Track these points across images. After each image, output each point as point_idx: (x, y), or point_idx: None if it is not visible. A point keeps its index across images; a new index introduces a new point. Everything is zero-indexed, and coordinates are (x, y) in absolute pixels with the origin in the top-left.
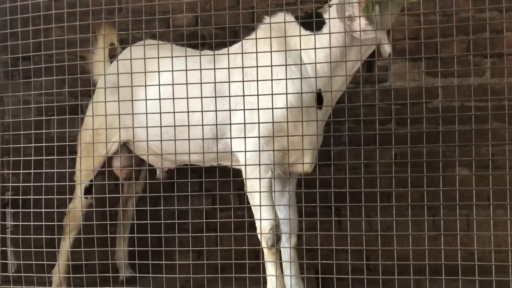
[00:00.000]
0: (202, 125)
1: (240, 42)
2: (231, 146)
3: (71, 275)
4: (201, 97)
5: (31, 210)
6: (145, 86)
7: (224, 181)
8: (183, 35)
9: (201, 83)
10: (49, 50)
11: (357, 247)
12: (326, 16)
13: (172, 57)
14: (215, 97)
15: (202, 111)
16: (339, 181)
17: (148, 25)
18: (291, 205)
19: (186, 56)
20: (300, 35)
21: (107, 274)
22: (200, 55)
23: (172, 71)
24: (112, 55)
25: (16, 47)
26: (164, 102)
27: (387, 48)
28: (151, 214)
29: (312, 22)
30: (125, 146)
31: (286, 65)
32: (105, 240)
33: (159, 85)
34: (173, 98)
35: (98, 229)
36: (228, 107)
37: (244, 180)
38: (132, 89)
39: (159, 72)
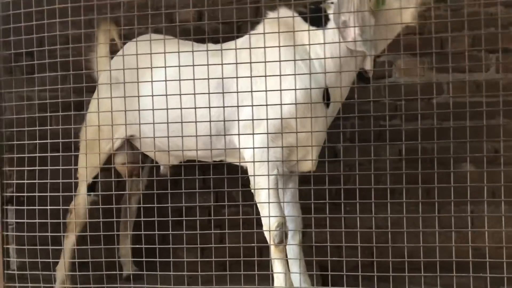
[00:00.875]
0: (210, 121)
1: (244, 37)
2: (238, 143)
3: (77, 273)
4: (208, 93)
5: (35, 207)
6: (152, 81)
7: (228, 177)
8: (185, 30)
9: (208, 79)
10: (49, 46)
11: (356, 243)
12: (330, 11)
13: (178, 52)
14: (223, 93)
15: (209, 108)
16: (343, 177)
17: (151, 20)
18: (295, 202)
19: (192, 52)
20: (309, 30)
21: (113, 272)
22: (207, 50)
23: (179, 66)
24: (114, 51)
25: (16, 42)
26: (167, 97)
27: (368, 63)
28: (153, 211)
29: (317, 18)
30: (128, 142)
31: (294, 60)
32: (109, 237)
33: (166, 80)
34: (180, 94)
35: (101, 226)
36: (232, 102)
37: (250, 177)
38: (137, 85)
39: (165, 67)
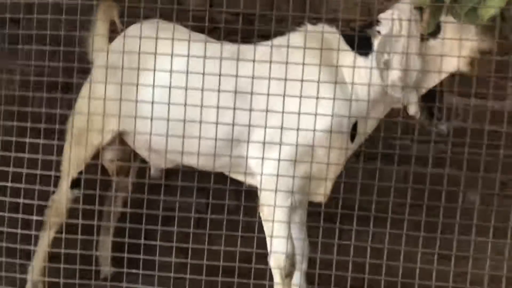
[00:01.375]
0: (232, 138)
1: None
2: (260, 164)
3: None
4: (234, 109)
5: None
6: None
7: (221, 181)
8: (194, 18)
9: (235, 92)
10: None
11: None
12: (375, 41)
13: (210, 49)
14: (250, 110)
15: (233, 124)
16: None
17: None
18: (302, 226)
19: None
20: (356, 51)
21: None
22: (238, 51)
23: (211, 74)
24: (112, 31)
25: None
26: (172, 93)
27: (412, 108)
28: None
29: (361, 44)
30: (119, 138)
31: (335, 83)
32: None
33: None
34: (205, 97)
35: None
36: (250, 116)
37: (261, 205)
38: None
39: (188, 72)
